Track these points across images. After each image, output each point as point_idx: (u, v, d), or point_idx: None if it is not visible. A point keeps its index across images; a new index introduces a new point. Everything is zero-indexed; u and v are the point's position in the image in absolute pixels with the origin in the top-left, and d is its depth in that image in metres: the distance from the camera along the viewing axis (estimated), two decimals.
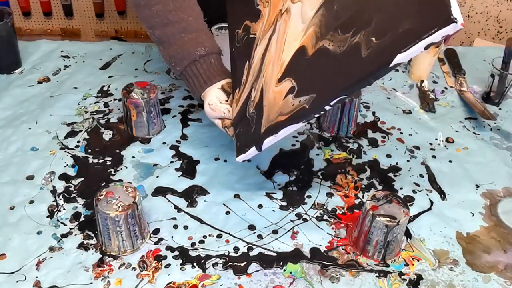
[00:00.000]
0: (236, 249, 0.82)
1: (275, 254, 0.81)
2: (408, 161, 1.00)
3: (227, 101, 0.88)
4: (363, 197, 0.91)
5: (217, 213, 0.87)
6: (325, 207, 0.89)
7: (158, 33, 0.89)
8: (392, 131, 1.06)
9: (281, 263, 0.79)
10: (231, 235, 0.84)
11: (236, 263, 0.79)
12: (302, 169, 0.96)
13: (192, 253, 0.81)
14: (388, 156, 1.00)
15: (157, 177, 0.93)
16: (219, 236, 0.83)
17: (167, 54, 0.91)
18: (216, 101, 0.88)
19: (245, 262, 0.79)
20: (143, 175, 0.94)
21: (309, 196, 0.91)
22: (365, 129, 1.06)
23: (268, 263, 0.79)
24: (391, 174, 0.96)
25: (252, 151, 0.82)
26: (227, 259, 0.80)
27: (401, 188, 0.93)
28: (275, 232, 0.85)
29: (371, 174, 0.96)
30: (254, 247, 0.82)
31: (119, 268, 0.78)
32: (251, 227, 0.85)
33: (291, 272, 0.78)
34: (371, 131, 1.06)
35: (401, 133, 1.06)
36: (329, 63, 0.75)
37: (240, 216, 0.87)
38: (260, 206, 0.89)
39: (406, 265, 0.80)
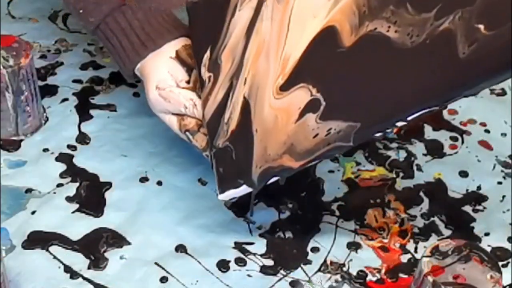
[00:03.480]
0: None
1: None
2: (500, 183, 0.77)
3: (188, 82, 0.67)
4: (415, 251, 0.71)
5: (144, 280, 0.64)
6: (345, 269, 0.68)
7: None
8: (470, 127, 0.83)
9: None
10: None
11: None
12: (302, 197, 0.74)
13: None
14: (463, 174, 0.77)
15: (33, 213, 0.70)
16: None
17: None
18: (170, 81, 0.67)
19: None
20: (7, 209, 0.71)
21: (315, 249, 0.68)
22: (421, 123, 0.83)
23: None
24: (468, 208, 0.74)
25: (246, 188, 0.65)
26: None
27: (487, 234, 0.72)
28: None
29: (430, 208, 0.74)
30: None
31: None
32: None
33: None
34: (430, 127, 0.82)
35: (487, 130, 0.82)
36: (390, 62, 0.59)
37: None
38: (223, 268, 0.66)
39: None
